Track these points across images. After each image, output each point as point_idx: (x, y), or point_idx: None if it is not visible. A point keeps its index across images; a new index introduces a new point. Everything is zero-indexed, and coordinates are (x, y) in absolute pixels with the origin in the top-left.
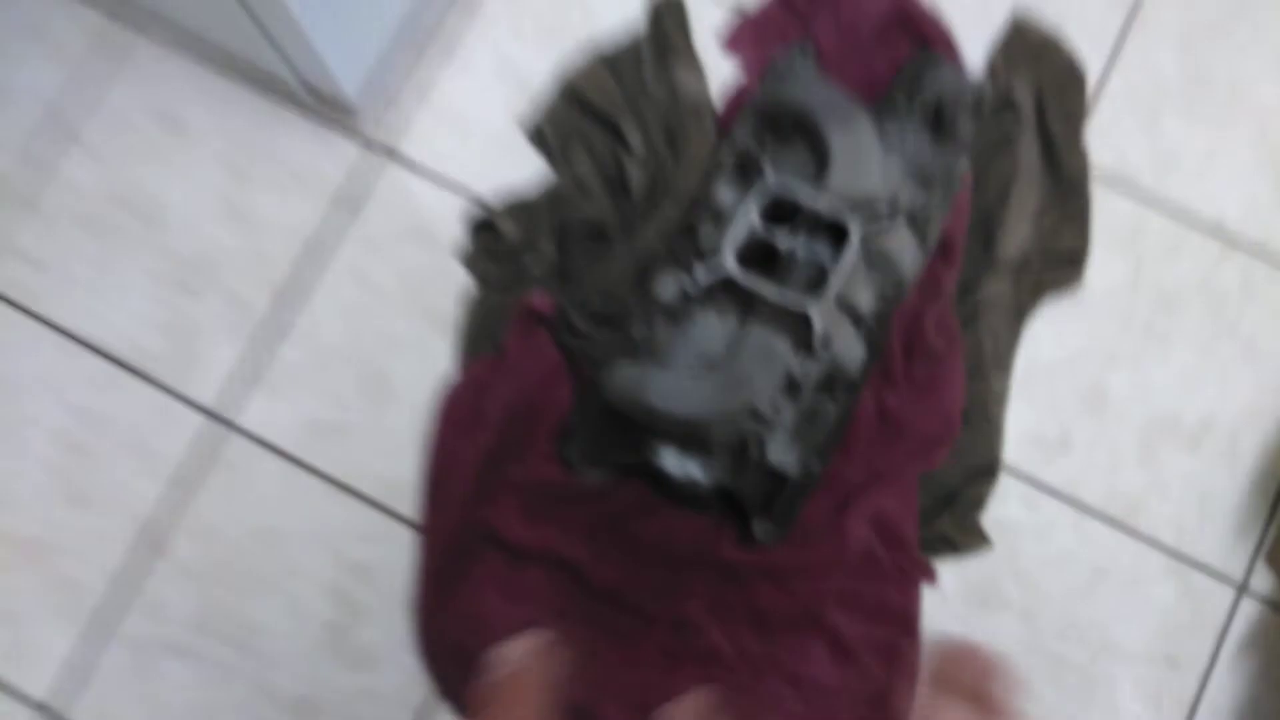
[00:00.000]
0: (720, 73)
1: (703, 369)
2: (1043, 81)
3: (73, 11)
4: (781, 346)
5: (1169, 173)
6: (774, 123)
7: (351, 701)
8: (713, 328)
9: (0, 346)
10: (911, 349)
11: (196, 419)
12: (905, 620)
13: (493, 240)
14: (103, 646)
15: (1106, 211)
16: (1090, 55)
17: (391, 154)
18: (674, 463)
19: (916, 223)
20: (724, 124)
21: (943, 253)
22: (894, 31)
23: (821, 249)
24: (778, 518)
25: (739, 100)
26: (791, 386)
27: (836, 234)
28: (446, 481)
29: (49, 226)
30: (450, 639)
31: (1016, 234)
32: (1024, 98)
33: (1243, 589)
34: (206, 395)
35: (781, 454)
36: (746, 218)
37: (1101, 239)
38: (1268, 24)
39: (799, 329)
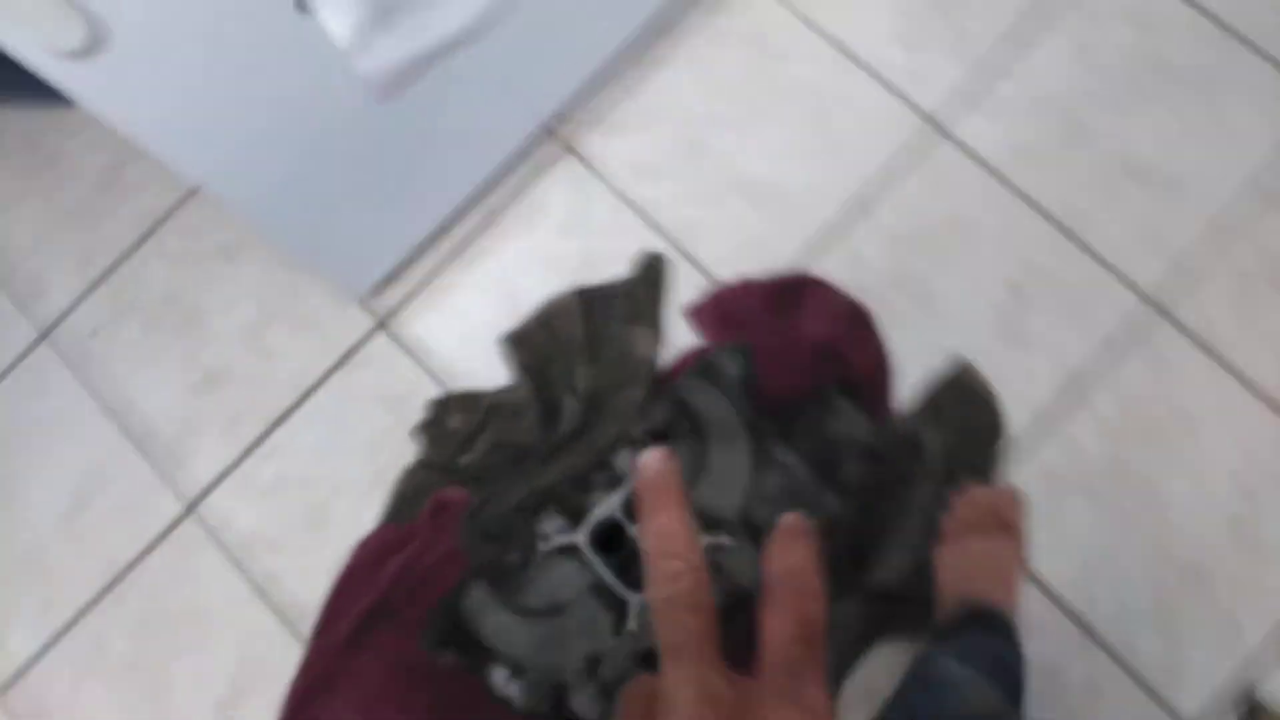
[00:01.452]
0: (683, 338)
1: (541, 614)
2: (961, 431)
3: None
4: (603, 621)
5: (1054, 554)
6: (682, 414)
7: None
8: (569, 579)
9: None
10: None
11: (175, 508)
12: None
13: (440, 427)
14: None
15: None
16: (1020, 419)
17: (389, 331)
18: (500, 679)
19: None
20: (660, 387)
21: None
22: (830, 357)
23: None
24: None
25: (677, 372)
26: (597, 658)
27: None
28: (332, 622)
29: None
30: None
31: (889, 566)
32: (935, 443)
33: None
34: (191, 489)
35: (584, 708)
36: (612, 501)
37: None
38: (1212, 442)
39: (622, 610)
